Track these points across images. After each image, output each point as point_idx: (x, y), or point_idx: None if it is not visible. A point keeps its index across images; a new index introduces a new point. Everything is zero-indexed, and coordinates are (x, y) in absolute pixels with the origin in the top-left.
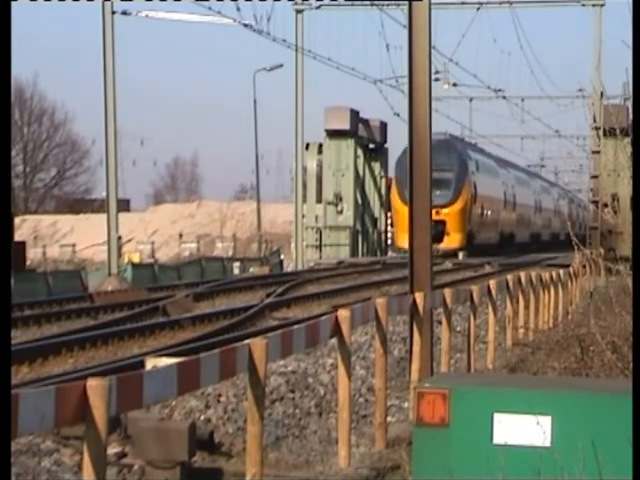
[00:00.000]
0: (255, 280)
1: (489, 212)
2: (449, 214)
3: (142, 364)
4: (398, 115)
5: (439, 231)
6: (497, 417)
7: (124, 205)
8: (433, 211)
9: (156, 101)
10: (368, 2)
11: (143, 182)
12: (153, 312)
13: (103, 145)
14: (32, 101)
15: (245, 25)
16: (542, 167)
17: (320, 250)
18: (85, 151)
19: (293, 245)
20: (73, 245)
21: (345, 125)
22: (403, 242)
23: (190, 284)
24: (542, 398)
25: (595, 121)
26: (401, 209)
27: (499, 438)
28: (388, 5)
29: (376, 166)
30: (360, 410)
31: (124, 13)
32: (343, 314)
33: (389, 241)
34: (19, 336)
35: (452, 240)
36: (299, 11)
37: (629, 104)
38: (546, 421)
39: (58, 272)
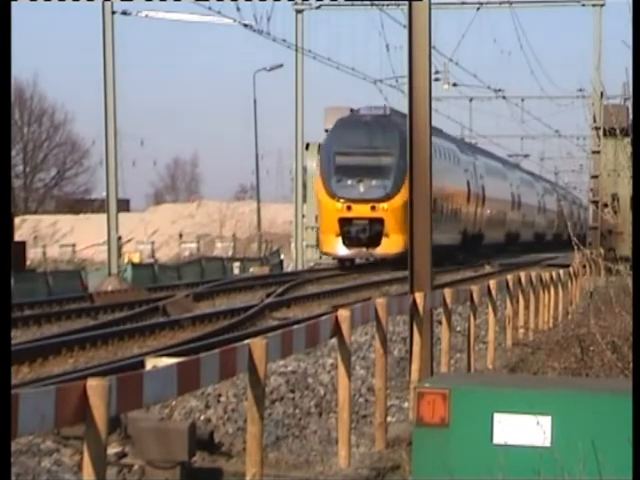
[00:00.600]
0: (255, 280)
1: (446, 208)
2: (388, 210)
3: (142, 364)
4: None
5: (375, 232)
6: (497, 417)
7: (124, 205)
8: (367, 207)
9: (156, 101)
10: (368, 2)
11: (143, 182)
12: (153, 312)
13: (103, 145)
14: (32, 101)
15: (245, 25)
16: (525, 157)
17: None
18: (85, 151)
19: (293, 245)
20: (73, 245)
21: None
22: (330, 246)
23: (190, 284)
24: (542, 398)
25: (595, 121)
26: (328, 205)
27: (499, 438)
28: (388, 5)
29: None
30: (360, 410)
31: (124, 13)
32: (343, 314)
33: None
34: (19, 336)
35: (392, 243)
36: (299, 11)
37: (629, 104)
38: (546, 421)
39: (58, 272)
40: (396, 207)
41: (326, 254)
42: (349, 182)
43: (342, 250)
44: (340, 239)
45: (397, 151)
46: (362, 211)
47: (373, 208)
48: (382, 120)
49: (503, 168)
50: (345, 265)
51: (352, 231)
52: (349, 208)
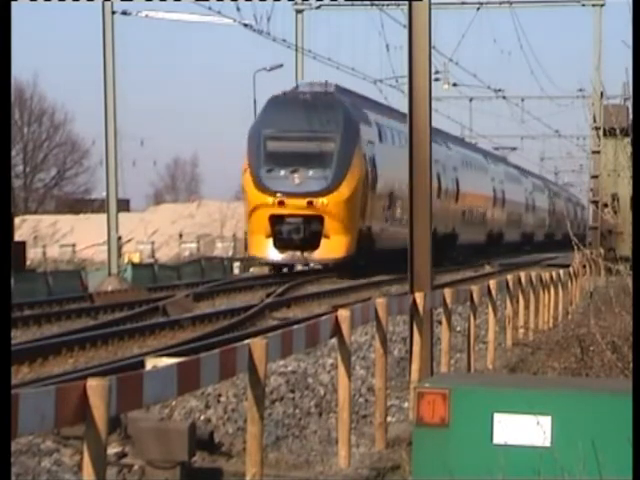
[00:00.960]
0: (255, 280)
1: (399, 205)
2: (329, 206)
3: (142, 364)
4: None
5: (313, 233)
6: (497, 417)
7: (124, 205)
8: (303, 202)
9: (156, 101)
10: (368, 2)
11: (143, 182)
12: (153, 312)
13: (103, 145)
14: (32, 101)
15: (245, 25)
16: (513, 149)
17: None
18: (85, 151)
19: None
20: (73, 245)
21: None
22: (259, 249)
23: (190, 284)
24: (542, 398)
25: (595, 121)
26: (256, 200)
27: (499, 438)
28: (388, 5)
29: None
30: (360, 410)
31: (124, 13)
32: (343, 314)
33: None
34: (19, 336)
35: (333, 247)
36: (299, 11)
37: (629, 104)
38: (546, 421)
39: (58, 272)
40: (338, 202)
41: (255, 258)
42: (282, 172)
43: (273, 254)
44: (271, 241)
45: (340, 135)
46: (297, 207)
47: (310, 204)
48: (323, 98)
49: (484, 160)
50: (281, 272)
51: (285, 231)
52: (281, 204)
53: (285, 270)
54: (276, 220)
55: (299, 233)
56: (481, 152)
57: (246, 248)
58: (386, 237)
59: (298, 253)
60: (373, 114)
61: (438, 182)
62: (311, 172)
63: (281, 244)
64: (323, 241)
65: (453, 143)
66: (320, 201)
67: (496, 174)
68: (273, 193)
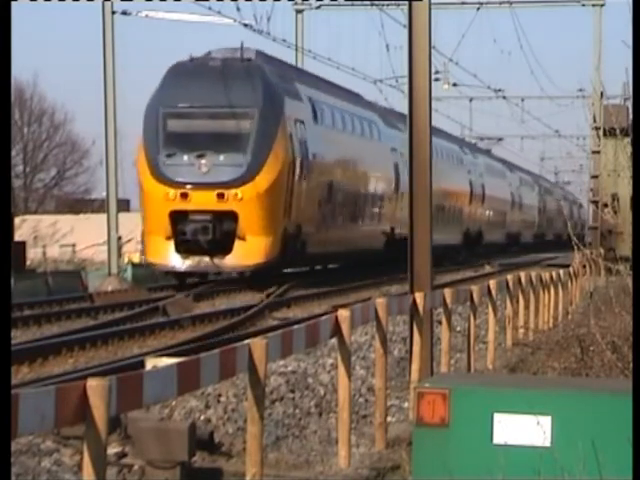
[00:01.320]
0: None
1: (340, 201)
2: (245, 200)
3: (142, 364)
4: None
5: (224, 233)
6: (497, 417)
7: (124, 205)
8: (211, 195)
9: None
10: (368, 2)
11: None
12: (153, 312)
13: (103, 145)
14: (32, 101)
15: (245, 25)
16: (499, 140)
17: None
18: (85, 151)
19: None
20: (73, 245)
21: None
22: (158, 254)
23: (190, 284)
24: (542, 398)
25: (595, 121)
26: (153, 192)
27: (499, 438)
28: (388, 5)
29: None
30: (360, 410)
31: (124, 13)
32: (343, 314)
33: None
34: (19, 336)
35: (250, 250)
36: (299, 11)
37: (629, 104)
38: (546, 421)
39: (58, 272)
40: (256, 195)
41: (153, 265)
42: (185, 158)
43: (175, 261)
44: (172, 244)
45: (259, 111)
46: (204, 201)
47: (221, 197)
48: (239, 66)
49: (459, 151)
50: (185, 282)
51: (189, 231)
52: (185, 197)
53: (191, 280)
54: (178, 218)
55: (207, 234)
56: (457, 142)
57: (142, 253)
58: (322, 239)
59: (206, 259)
60: (307, 89)
61: (395, 175)
62: (222, 157)
63: (185, 248)
64: (237, 243)
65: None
66: (233, 193)
67: (474, 166)
68: (174, 184)
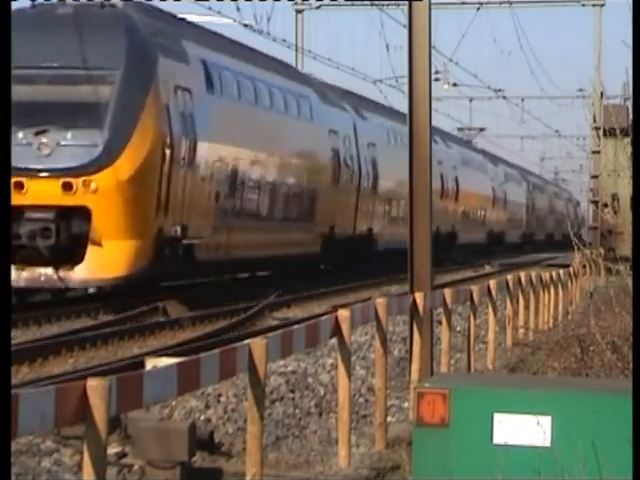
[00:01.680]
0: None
1: (247, 194)
2: (101, 192)
3: (142, 364)
4: None
5: (72, 236)
6: (497, 417)
7: None
8: (55, 185)
9: None
10: (368, 2)
11: None
12: (153, 312)
13: None
14: None
15: (245, 25)
16: (481, 130)
17: None
18: None
19: None
20: None
21: None
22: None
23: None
24: (542, 398)
25: (595, 121)
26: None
27: (499, 438)
28: (388, 5)
29: None
30: (360, 410)
31: None
32: (343, 314)
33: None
34: (19, 336)
35: (108, 258)
36: (299, 11)
37: (629, 104)
38: (546, 421)
39: None
40: (117, 185)
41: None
42: (19, 135)
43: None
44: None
45: (123, 75)
46: (46, 194)
47: (68, 187)
48: (98, 14)
49: (438, 139)
50: (25, 301)
51: (24, 234)
52: (19, 187)
53: (39, 298)
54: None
55: (49, 237)
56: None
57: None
58: (216, 244)
59: (48, 271)
60: (201, 49)
61: (337, 163)
62: (70, 135)
63: (20, 256)
64: (91, 250)
65: (371, 112)
66: (85, 183)
67: (448, 158)
68: None
